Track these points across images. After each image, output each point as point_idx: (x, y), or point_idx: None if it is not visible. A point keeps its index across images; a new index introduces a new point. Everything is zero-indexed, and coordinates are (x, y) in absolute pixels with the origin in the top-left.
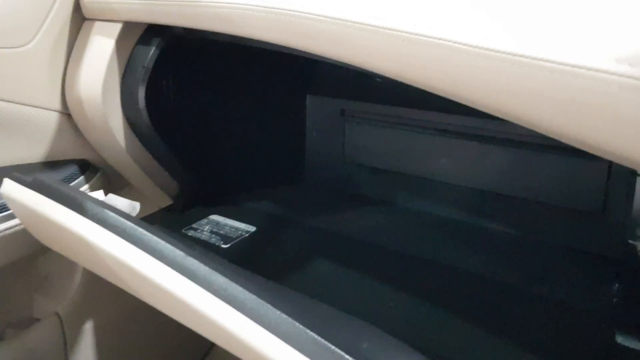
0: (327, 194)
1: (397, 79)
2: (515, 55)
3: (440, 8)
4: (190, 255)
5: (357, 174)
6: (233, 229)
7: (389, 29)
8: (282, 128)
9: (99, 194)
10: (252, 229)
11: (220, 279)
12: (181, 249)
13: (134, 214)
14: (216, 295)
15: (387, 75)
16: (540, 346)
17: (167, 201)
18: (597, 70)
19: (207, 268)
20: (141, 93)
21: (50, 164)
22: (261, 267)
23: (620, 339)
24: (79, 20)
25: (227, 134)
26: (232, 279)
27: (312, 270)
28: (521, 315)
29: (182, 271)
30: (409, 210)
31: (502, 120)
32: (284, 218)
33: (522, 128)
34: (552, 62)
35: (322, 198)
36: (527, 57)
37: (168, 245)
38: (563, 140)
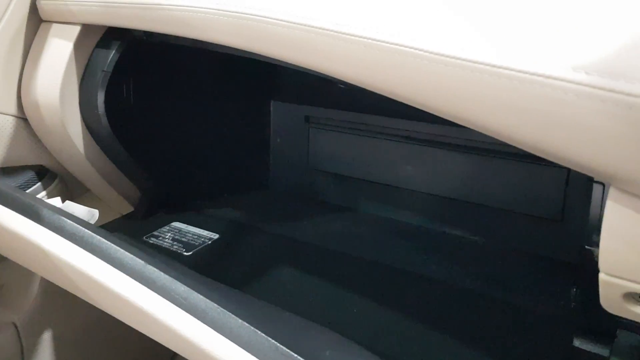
0: (291, 200)
1: (359, 85)
2: (474, 62)
3: (402, 15)
4: (150, 263)
5: (321, 181)
6: (195, 236)
7: (351, 35)
8: (246, 134)
9: (56, 201)
10: (215, 236)
11: (180, 288)
12: (141, 257)
13: (92, 222)
14: (176, 304)
15: (349, 81)
16: (500, 351)
17: (128, 208)
18: (554, 79)
19: (167, 276)
20: (100, 98)
21: (6, 170)
22: (224, 275)
23: (578, 343)
24: (36, 22)
25: (189, 139)
26: (193, 288)
27: (275, 277)
28: (481, 321)
29: (142, 280)
30: (372, 216)
31: (465, 127)
32: (247, 225)
33: (484, 135)
34: (511, 69)
35: (286, 205)
36: (486, 64)
37: (127, 254)
38: (522, 147)
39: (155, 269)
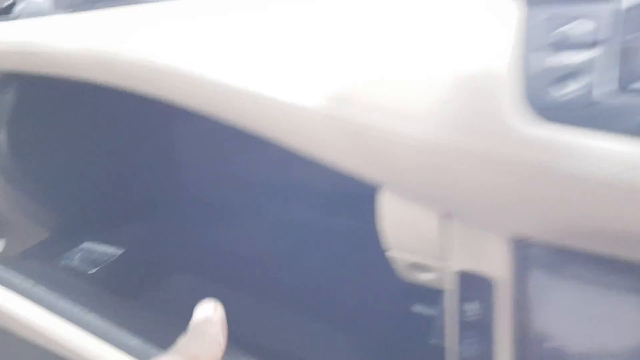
0: (200, 210)
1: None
2: (263, 98)
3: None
4: (41, 283)
5: (229, 188)
6: (102, 254)
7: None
8: (153, 150)
9: None
10: (121, 251)
11: (71, 305)
12: (31, 277)
13: None
14: (62, 317)
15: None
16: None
17: (42, 234)
18: (303, 107)
19: (56, 294)
20: (2, 137)
21: None
22: (124, 288)
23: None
24: None
25: (96, 165)
26: (85, 305)
27: (177, 286)
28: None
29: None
30: (278, 218)
31: None
32: (154, 238)
33: None
34: (276, 101)
35: (195, 215)
36: (266, 98)
37: (16, 274)
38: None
39: (44, 287)
